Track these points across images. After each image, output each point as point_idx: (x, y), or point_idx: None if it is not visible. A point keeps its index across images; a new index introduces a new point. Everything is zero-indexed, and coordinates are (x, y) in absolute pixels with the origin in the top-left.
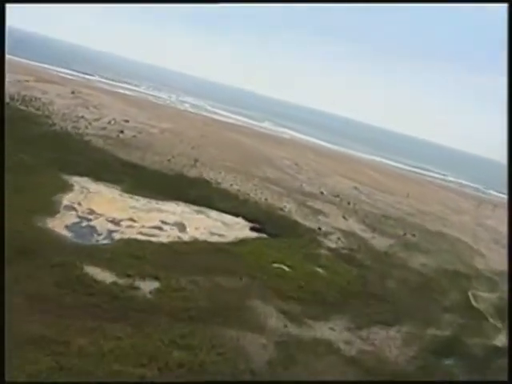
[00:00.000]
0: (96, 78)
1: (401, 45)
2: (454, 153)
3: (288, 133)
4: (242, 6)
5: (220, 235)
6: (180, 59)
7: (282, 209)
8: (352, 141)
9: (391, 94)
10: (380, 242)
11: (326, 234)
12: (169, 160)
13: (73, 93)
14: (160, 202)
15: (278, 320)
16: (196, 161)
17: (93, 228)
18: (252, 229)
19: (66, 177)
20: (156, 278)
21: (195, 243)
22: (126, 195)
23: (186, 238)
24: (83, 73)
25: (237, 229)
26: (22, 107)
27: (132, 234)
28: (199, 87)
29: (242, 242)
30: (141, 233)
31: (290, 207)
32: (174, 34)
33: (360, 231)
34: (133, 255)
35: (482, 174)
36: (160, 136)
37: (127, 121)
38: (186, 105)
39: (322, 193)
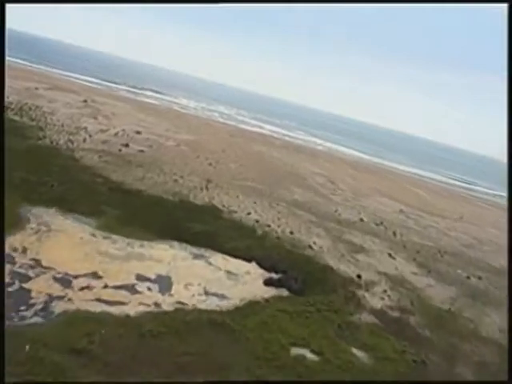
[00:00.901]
0: (123, 86)
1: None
2: (498, 164)
3: (323, 144)
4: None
5: (220, 296)
6: (214, 68)
7: (310, 246)
8: (391, 151)
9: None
10: (439, 293)
11: (368, 285)
12: (175, 181)
13: (85, 101)
14: (147, 244)
15: None
16: (209, 181)
17: (25, 294)
18: (267, 282)
19: (25, 208)
20: None
21: (178, 314)
22: (100, 234)
23: (167, 303)
24: (109, 81)
25: (246, 282)
26: (15, 117)
27: (85, 300)
28: (232, 96)
29: (250, 307)
30: (99, 298)
31: (321, 243)
32: (207, 43)
33: (412, 275)
34: (69, 347)
35: None
36: (174, 150)
37: (139, 132)
38: (216, 114)
39: (361, 220)
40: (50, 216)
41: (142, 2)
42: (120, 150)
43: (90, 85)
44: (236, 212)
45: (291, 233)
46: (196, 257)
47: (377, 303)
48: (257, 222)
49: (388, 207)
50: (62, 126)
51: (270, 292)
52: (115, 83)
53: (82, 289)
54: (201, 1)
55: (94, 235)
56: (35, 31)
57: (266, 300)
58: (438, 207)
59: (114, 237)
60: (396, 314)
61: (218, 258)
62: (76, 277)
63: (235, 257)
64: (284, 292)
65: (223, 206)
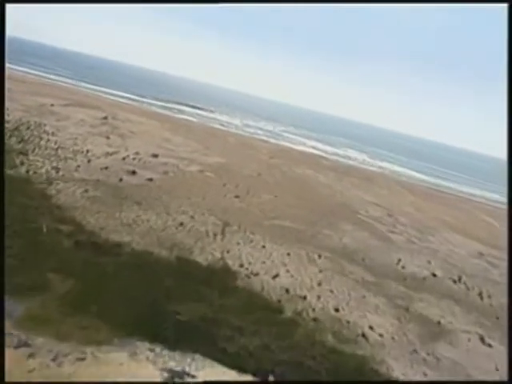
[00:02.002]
0: (158, 102)
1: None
2: None
3: (376, 164)
4: None
5: None
6: (257, 83)
7: (365, 335)
8: (446, 168)
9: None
10: None
11: None
12: (181, 224)
13: (105, 118)
14: (91, 353)
15: None
16: (227, 224)
17: None
18: None
19: None
20: None
21: None
22: (13, 337)
23: None
24: (143, 96)
25: None
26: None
27: None
28: (277, 111)
29: None
30: None
31: (381, 327)
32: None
33: None
34: None
35: None
36: (195, 177)
37: (156, 155)
38: (259, 131)
39: (434, 274)
40: None
41: (142, 2)
42: (121, 180)
43: (120, 100)
44: (257, 274)
45: (336, 310)
46: (171, 377)
47: None
48: (286, 291)
49: (462, 248)
50: (57, 149)
51: None
52: (151, 98)
53: None
54: (201, 0)
55: None
56: (72, 47)
57: None
58: None
59: (38, 341)
60: None
61: (209, 378)
62: None
63: (240, 370)
64: None
65: (240, 264)
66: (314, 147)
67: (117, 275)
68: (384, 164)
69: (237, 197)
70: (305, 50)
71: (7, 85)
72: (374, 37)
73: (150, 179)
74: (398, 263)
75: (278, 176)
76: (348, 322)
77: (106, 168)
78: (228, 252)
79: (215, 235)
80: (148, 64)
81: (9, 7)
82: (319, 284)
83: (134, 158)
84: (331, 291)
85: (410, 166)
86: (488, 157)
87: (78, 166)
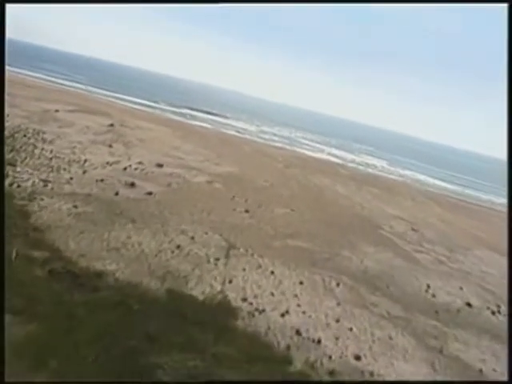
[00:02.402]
0: (173, 108)
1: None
2: None
3: (397, 172)
4: None
5: None
6: (277, 88)
7: None
8: (463, 174)
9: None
10: None
11: None
12: (177, 247)
13: (111, 125)
14: None
15: None
16: (232, 247)
17: None
18: None
19: None
20: None
21: None
22: None
23: None
24: (157, 102)
25: None
26: None
27: None
28: (295, 117)
29: None
30: None
31: (410, 378)
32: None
33: None
34: None
35: None
36: (202, 189)
37: (161, 165)
38: (275, 137)
39: (468, 304)
40: None
41: (141, 2)
42: (116, 194)
43: (131, 106)
44: (263, 311)
45: (357, 357)
46: None
47: None
48: (297, 332)
49: (495, 268)
50: (52, 158)
51: None
52: (162, 103)
53: None
54: (201, 0)
55: None
56: (73, 49)
57: None
58: None
59: None
60: None
61: None
62: None
63: None
64: None
65: (243, 298)
66: (330, 153)
67: (91, 316)
68: (405, 172)
69: (246, 211)
70: (305, 49)
71: (10, 90)
72: (373, 37)
73: (150, 193)
74: (427, 290)
75: (293, 187)
76: (371, 374)
77: (102, 180)
78: (230, 282)
79: (217, 260)
80: (148, 65)
81: (9, 7)
82: (337, 321)
83: (135, 169)
84: (351, 331)
85: (430, 173)
86: (490, 158)
87: (71, 178)
